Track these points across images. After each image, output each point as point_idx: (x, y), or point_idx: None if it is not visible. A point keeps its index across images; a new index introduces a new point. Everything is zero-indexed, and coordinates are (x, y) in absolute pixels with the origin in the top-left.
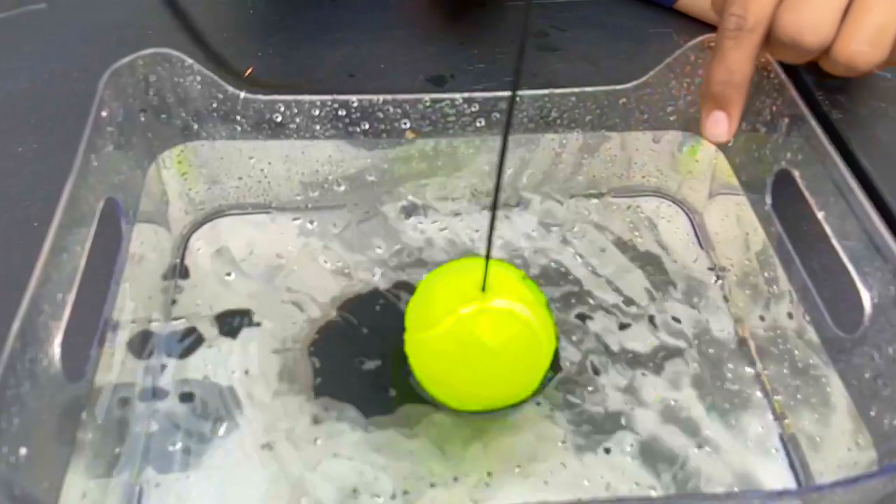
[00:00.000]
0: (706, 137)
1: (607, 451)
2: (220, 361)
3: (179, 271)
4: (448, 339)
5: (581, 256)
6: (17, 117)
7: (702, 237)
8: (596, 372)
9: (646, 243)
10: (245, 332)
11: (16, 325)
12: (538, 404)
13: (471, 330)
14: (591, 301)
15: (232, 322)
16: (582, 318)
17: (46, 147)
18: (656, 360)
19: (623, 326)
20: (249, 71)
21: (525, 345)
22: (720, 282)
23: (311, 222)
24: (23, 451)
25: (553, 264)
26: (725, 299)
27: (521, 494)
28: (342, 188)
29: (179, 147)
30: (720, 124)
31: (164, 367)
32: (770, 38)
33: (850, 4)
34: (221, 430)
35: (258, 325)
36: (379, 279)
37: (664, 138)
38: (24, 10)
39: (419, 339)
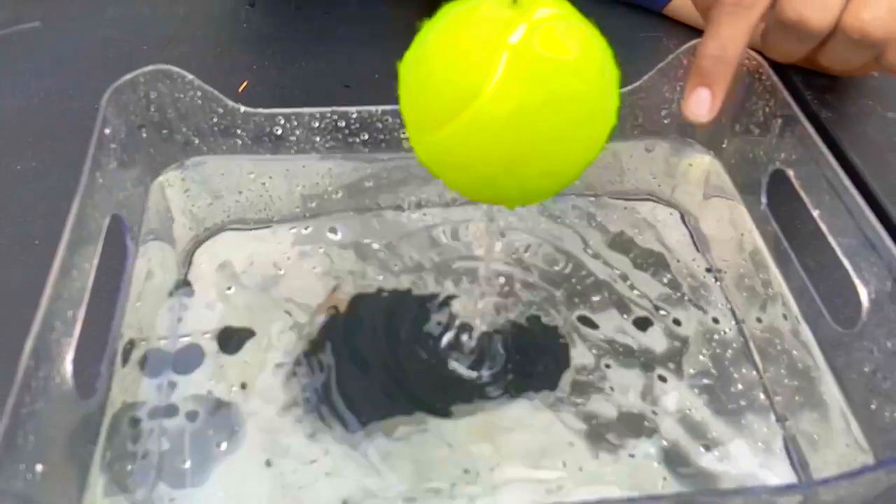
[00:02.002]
0: (687, 115)
1: (616, 451)
2: (222, 377)
3: (183, 287)
4: (511, 89)
5: (580, 260)
6: (14, 135)
7: (698, 240)
8: (602, 372)
9: (643, 247)
10: (247, 347)
11: (29, 343)
12: (547, 405)
13: (536, 58)
14: (593, 301)
15: (234, 337)
16: (584, 319)
17: (45, 164)
18: (661, 361)
19: (626, 327)
20: (245, 84)
21: (598, 55)
22: (719, 283)
23: (311, 234)
24: (39, 467)
25: (555, 267)
26: (727, 299)
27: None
28: (341, 198)
29: (181, 162)
30: (703, 103)
31: (170, 383)
32: (773, 22)
33: None
34: (226, 446)
35: (260, 339)
36: (381, 289)
37: (658, 143)
38: (18, 28)
39: (462, 125)
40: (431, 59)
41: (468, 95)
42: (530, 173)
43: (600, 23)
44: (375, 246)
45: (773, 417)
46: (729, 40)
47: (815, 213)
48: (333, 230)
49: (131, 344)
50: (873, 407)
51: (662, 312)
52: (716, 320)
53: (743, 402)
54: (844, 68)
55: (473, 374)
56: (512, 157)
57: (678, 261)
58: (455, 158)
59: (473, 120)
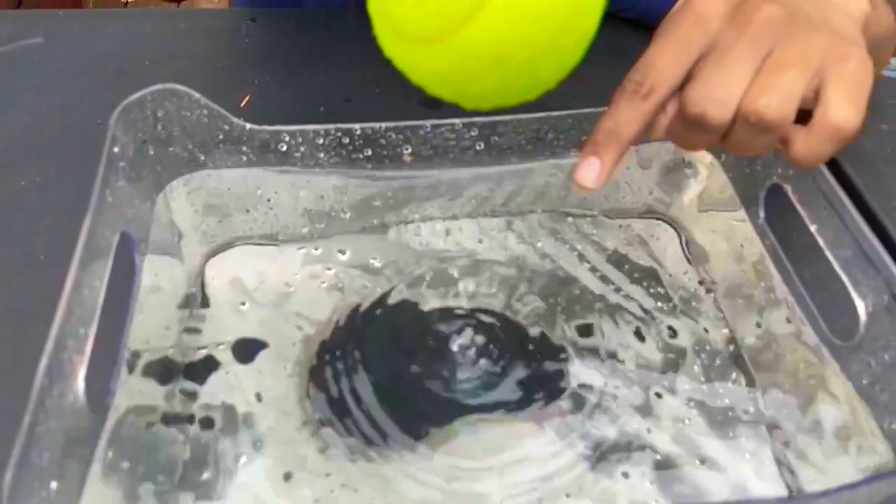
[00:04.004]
0: (575, 180)
1: (621, 469)
2: (232, 388)
3: (188, 301)
4: None
5: (577, 276)
6: (18, 151)
7: (693, 253)
8: (600, 388)
9: (639, 259)
10: (258, 360)
11: (43, 361)
12: (549, 425)
13: None
14: (593, 312)
15: (245, 350)
16: (584, 330)
17: (49, 180)
18: (657, 372)
19: (621, 341)
20: (246, 99)
21: None
22: (712, 294)
23: (317, 249)
24: (53, 485)
25: (553, 278)
26: (720, 310)
27: None
28: (347, 214)
29: (188, 179)
30: (592, 169)
31: (179, 395)
32: (677, 116)
33: (760, 69)
34: (241, 459)
35: (271, 352)
36: (385, 305)
37: (655, 157)
38: (21, 44)
39: (492, 17)
40: None
41: (462, 13)
42: (564, 47)
43: (597, 38)
44: (380, 261)
45: (767, 429)
46: (624, 120)
47: (813, 228)
48: (340, 245)
49: (141, 358)
50: (871, 418)
51: (657, 327)
52: (706, 330)
53: (738, 416)
54: (748, 153)
55: (478, 393)
56: (547, 38)
57: (673, 273)
58: (480, 59)
59: (503, 9)
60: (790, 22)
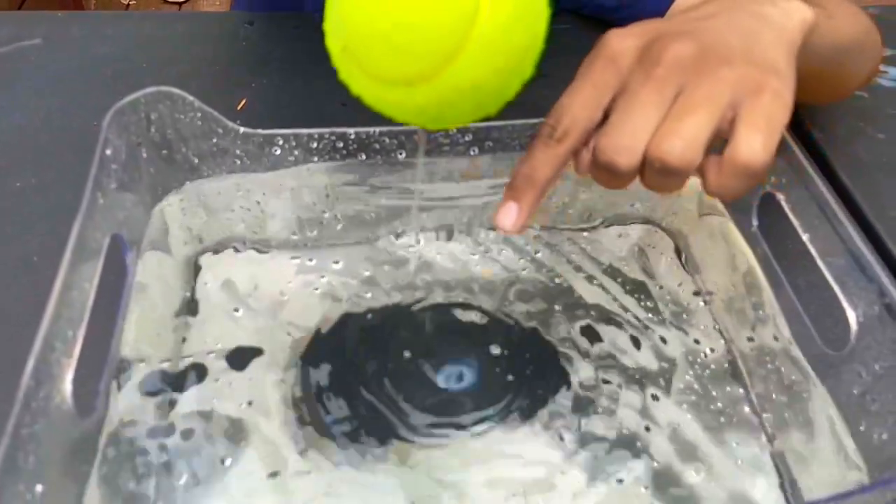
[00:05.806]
0: (496, 224)
1: (613, 475)
2: (221, 396)
3: (182, 307)
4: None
5: (574, 280)
6: (14, 153)
7: (689, 261)
8: (593, 393)
9: (634, 269)
10: (245, 366)
11: (30, 364)
12: (535, 431)
13: None
14: (588, 321)
15: (232, 356)
16: (577, 338)
17: (45, 182)
18: (652, 381)
19: (618, 349)
20: (243, 103)
21: None
22: (708, 305)
23: (310, 257)
24: (38, 488)
25: (551, 286)
26: (715, 321)
27: None
28: (338, 218)
29: (181, 182)
30: (510, 214)
31: (170, 402)
32: (592, 162)
33: (668, 112)
34: (226, 464)
35: (258, 358)
36: (379, 307)
37: None
38: (19, 45)
39: (471, 53)
40: (401, 9)
41: (465, 23)
42: (526, 66)
43: (591, 43)
44: (373, 270)
45: (763, 438)
46: (539, 164)
47: (805, 237)
48: (331, 253)
49: (129, 361)
50: (863, 428)
51: (651, 332)
52: (697, 341)
53: (733, 422)
54: (664, 192)
55: (471, 397)
56: (514, 63)
57: (668, 282)
58: (458, 92)
59: (479, 46)
60: (700, 59)
